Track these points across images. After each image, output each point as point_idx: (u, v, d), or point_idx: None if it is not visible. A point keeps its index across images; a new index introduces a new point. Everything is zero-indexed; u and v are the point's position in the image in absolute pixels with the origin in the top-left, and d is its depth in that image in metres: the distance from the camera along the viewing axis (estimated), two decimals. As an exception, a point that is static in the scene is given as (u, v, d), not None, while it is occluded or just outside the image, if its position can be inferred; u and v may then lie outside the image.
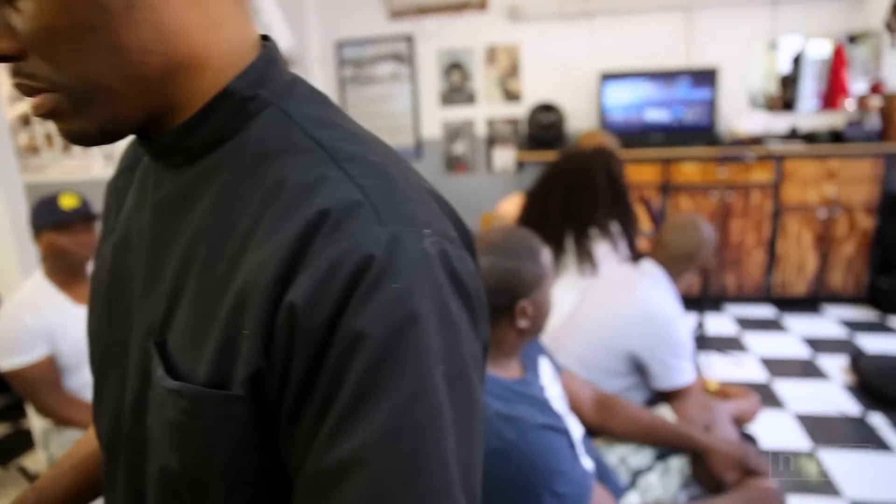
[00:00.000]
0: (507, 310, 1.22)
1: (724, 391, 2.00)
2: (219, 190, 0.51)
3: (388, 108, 4.73)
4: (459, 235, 0.50)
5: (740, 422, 1.94)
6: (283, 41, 2.98)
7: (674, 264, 1.81)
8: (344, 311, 0.42)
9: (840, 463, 2.48)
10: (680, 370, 1.69)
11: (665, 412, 1.65)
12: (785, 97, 4.34)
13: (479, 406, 0.47)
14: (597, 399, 1.61)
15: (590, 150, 2.47)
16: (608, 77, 4.12)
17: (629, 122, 4.18)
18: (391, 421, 0.41)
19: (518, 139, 4.55)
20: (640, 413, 1.59)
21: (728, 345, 3.60)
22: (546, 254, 1.26)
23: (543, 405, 1.30)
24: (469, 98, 4.60)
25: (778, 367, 3.31)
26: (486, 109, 4.60)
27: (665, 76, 4.10)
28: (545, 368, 1.46)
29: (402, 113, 4.72)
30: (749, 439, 1.79)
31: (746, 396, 1.96)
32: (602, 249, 2.35)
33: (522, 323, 1.23)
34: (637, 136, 4.14)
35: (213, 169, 0.52)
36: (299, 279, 0.43)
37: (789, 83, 4.34)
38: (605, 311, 1.81)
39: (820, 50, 4.23)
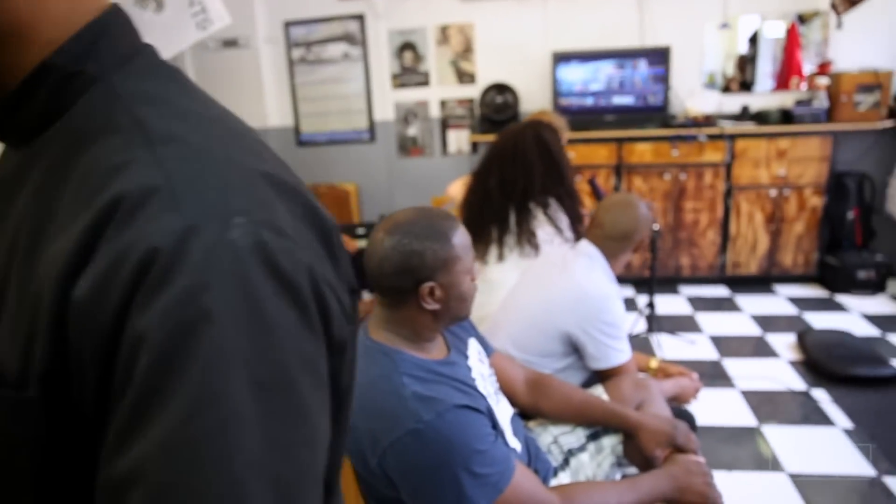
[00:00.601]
0: (413, 291, 1.17)
1: (665, 369, 1.98)
2: (43, 174, 0.47)
3: (340, 90, 4.61)
4: (312, 225, 0.45)
5: (680, 400, 1.92)
6: (221, 21, 2.85)
7: (610, 244, 1.77)
8: (128, 311, 0.38)
9: (782, 438, 2.50)
10: (615, 349, 1.66)
11: (600, 392, 1.61)
12: (743, 78, 4.35)
13: (313, 415, 0.42)
14: (529, 379, 1.57)
15: (522, 123, 2.42)
16: (561, 57, 4.07)
17: (583, 102, 4.14)
18: (172, 432, 0.37)
19: (473, 121, 4.49)
20: (571, 392, 1.55)
21: (681, 324, 3.60)
22: (461, 235, 1.21)
23: (465, 386, 1.25)
24: (422, 79, 4.52)
25: (728, 345, 3.33)
26: (439, 91, 4.52)
27: (618, 56, 4.06)
28: (473, 349, 1.41)
29: (354, 95, 4.61)
30: (686, 417, 1.77)
31: (687, 375, 1.94)
32: (546, 231, 2.31)
33: (431, 305, 1.18)
34: (591, 116, 4.11)
35: (40, 151, 0.48)
36: (84, 274, 0.39)
37: (747, 63, 4.34)
38: (540, 293, 1.76)
39: (775, 30, 4.24)
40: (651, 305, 3.17)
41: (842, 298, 3.87)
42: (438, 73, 4.48)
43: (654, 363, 2.00)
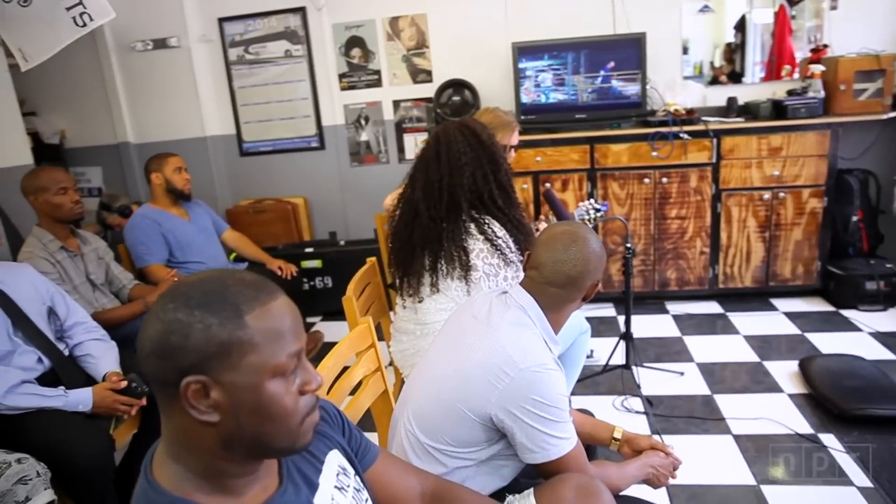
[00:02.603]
0: (176, 386, 0.72)
1: (632, 442, 1.52)
2: None
3: (284, 93, 4.15)
4: None
5: (652, 484, 1.46)
6: (103, 16, 2.38)
7: (550, 292, 1.30)
8: None
9: (786, 502, 2.04)
10: (553, 437, 1.19)
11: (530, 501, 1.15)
12: (732, 68, 3.91)
13: None
14: (428, 493, 1.10)
15: (453, 123, 1.96)
16: (523, 49, 3.61)
17: (549, 99, 3.68)
18: None
19: (431, 122, 4.03)
20: (488, 511, 1.09)
21: (668, 349, 3.15)
22: (268, 316, 0.75)
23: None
24: (373, 79, 4.05)
25: (722, 376, 2.87)
26: (392, 91, 4.06)
27: (588, 46, 3.60)
28: (332, 469, 0.95)
29: (299, 98, 4.15)
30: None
31: (660, 449, 1.48)
32: (486, 261, 1.85)
33: (204, 414, 0.73)
34: (559, 115, 3.66)
35: None
36: None
37: (735, 52, 3.91)
38: (454, 358, 1.29)
39: (763, 15, 3.80)
40: (627, 336, 2.70)
41: (848, 314, 3.41)
42: (390, 71, 4.02)
43: (617, 433, 1.55)
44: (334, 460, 0.96)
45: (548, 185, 3.11)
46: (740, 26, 3.85)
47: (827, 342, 3.10)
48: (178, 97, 4.15)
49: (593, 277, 1.30)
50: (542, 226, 2.64)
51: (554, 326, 1.32)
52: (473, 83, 3.78)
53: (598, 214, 2.67)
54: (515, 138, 2.66)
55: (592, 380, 2.85)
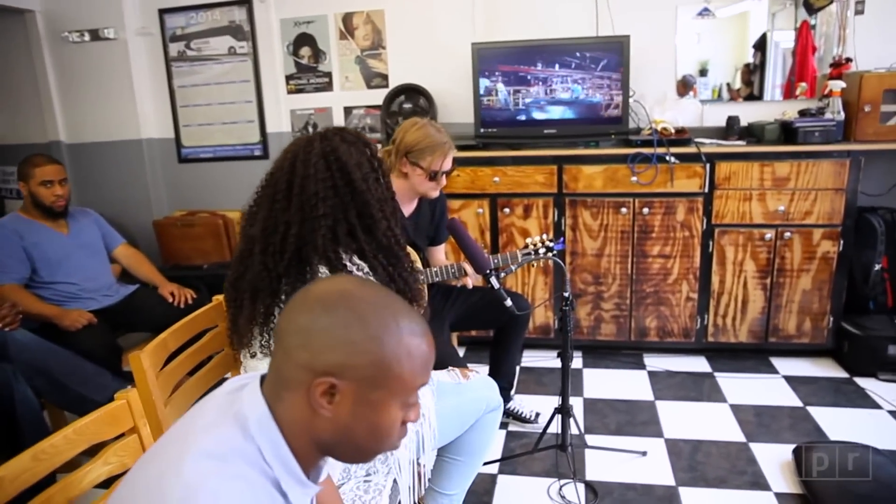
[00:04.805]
0: None
1: None
2: None
3: (226, 94, 3.70)
4: None
5: None
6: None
7: (288, 391, 0.77)
8: None
9: None
10: None
11: None
12: (750, 91, 3.36)
13: None
14: None
15: (318, 144, 1.44)
16: (486, 52, 3.09)
17: (513, 110, 3.14)
18: None
19: (384, 132, 3.53)
20: None
21: (637, 416, 2.56)
22: None
23: None
24: (323, 82, 3.58)
25: (695, 460, 2.27)
26: (343, 96, 3.58)
27: (560, 50, 3.06)
28: None
29: (243, 101, 3.69)
30: None
31: None
32: None
33: None
34: (524, 129, 3.12)
35: None
36: None
37: (754, 73, 3.36)
38: (123, 489, 0.77)
39: (786, 34, 3.26)
40: (563, 410, 2.10)
41: (865, 383, 2.79)
42: (342, 74, 3.55)
43: None
44: None
45: (454, 218, 2.49)
46: (760, 45, 3.31)
47: (834, 421, 2.48)
48: (113, 95, 3.73)
49: (371, 375, 0.75)
50: (470, 269, 2.13)
51: (303, 458, 0.78)
52: (430, 90, 3.29)
53: (551, 254, 2.14)
54: (448, 162, 2.15)
55: (530, 457, 2.28)
